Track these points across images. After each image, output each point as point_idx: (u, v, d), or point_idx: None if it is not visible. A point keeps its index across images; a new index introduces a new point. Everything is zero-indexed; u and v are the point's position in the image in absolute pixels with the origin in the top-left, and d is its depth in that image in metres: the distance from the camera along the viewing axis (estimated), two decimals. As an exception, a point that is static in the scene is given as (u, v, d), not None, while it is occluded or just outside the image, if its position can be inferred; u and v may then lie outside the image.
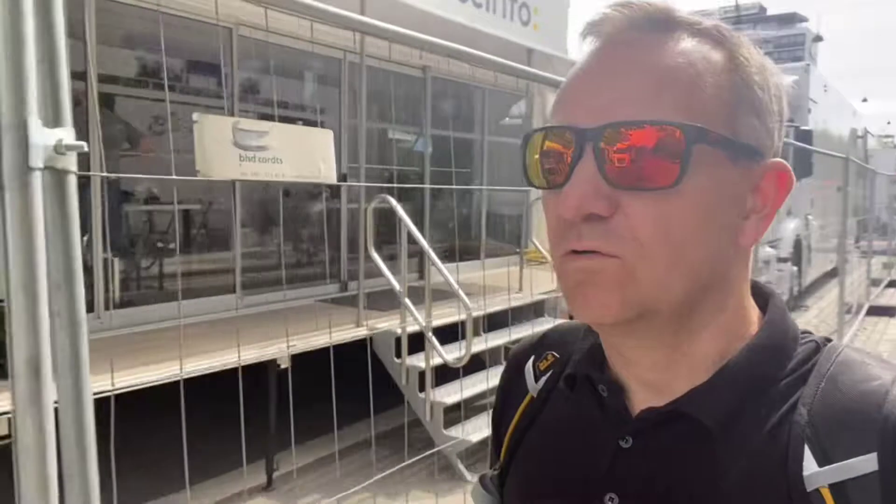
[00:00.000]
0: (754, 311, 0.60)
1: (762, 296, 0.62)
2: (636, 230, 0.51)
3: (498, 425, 0.75)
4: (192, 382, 2.58)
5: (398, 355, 4.35)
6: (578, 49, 0.60)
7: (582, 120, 0.52)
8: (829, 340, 0.59)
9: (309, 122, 5.39)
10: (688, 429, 0.54)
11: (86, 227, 4.12)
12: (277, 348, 3.76)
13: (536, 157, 0.56)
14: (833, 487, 0.49)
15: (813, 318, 8.65)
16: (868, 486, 0.48)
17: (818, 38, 36.39)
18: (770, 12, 49.28)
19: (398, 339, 4.35)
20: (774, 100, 0.55)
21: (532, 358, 0.74)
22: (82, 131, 1.11)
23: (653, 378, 0.58)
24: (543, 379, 0.71)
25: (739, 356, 0.56)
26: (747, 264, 0.58)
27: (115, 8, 4.26)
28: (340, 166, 5.14)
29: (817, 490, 0.49)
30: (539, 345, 0.75)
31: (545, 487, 0.64)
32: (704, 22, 0.55)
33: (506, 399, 0.75)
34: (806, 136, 7.41)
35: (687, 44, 0.54)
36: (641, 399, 0.59)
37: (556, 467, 0.64)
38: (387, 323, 4.55)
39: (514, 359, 0.77)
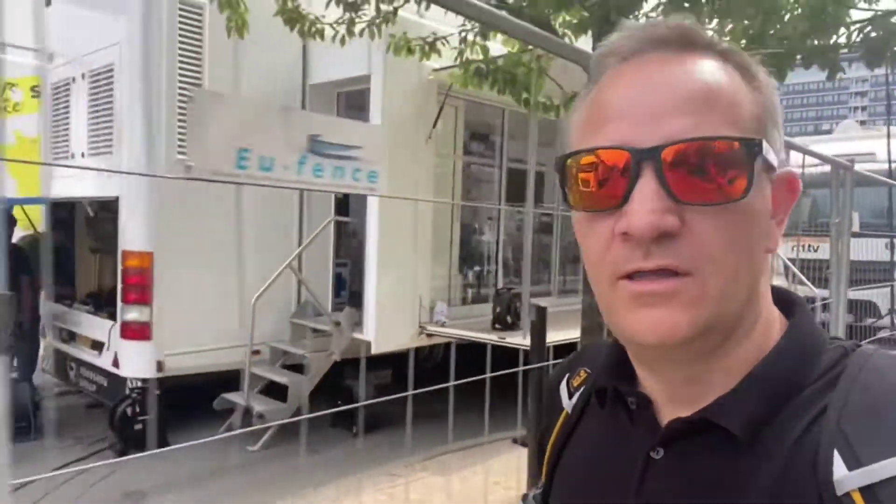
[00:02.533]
0: (778, 318, 0.59)
1: (787, 302, 0.61)
2: (707, 245, 0.51)
3: (542, 445, 0.76)
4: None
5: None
6: (593, 70, 0.59)
7: (632, 138, 0.52)
8: (858, 345, 0.58)
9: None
10: (717, 438, 0.54)
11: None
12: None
13: (579, 180, 0.55)
14: (864, 491, 0.48)
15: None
16: None
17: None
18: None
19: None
20: (779, 111, 0.58)
21: (567, 376, 0.74)
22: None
23: (685, 392, 0.58)
24: (577, 395, 0.71)
25: (765, 362, 0.55)
26: (769, 269, 0.58)
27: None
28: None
29: (848, 494, 0.48)
30: (573, 363, 0.76)
31: (581, 502, 0.65)
32: (721, 43, 0.57)
33: (547, 420, 0.75)
34: None
35: (714, 62, 0.55)
36: (671, 410, 0.58)
37: (591, 482, 0.64)
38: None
39: (552, 378, 0.77)
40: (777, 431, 0.53)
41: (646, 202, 0.50)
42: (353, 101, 5.88)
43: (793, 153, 4.01)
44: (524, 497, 0.76)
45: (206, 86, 4.98)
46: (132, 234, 4.80)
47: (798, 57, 3.36)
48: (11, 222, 5.43)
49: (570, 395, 0.71)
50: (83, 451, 4.73)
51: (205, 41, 4.98)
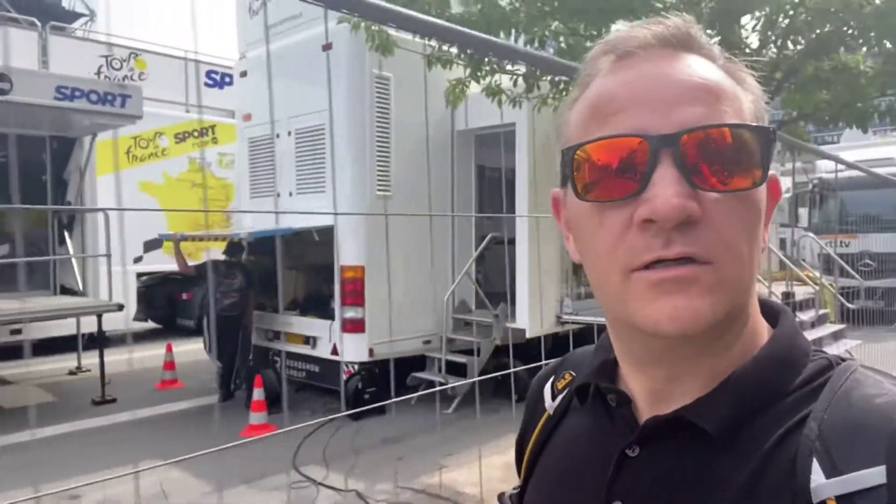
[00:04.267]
0: (764, 326, 0.60)
1: (773, 312, 0.62)
2: (723, 233, 0.51)
3: (520, 446, 0.77)
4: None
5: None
6: (587, 68, 0.60)
7: (645, 127, 0.52)
8: (843, 359, 0.58)
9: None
10: (692, 437, 0.54)
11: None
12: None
13: (588, 169, 0.54)
14: (840, 499, 0.48)
15: None
16: (876, 499, 0.47)
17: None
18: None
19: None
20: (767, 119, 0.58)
21: (552, 378, 0.75)
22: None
23: (667, 391, 0.58)
24: (560, 397, 0.72)
25: (746, 367, 0.56)
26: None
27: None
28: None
29: (824, 502, 0.48)
30: (559, 366, 0.77)
31: (556, 500, 0.66)
32: (713, 46, 0.58)
33: (528, 420, 0.76)
34: None
35: (714, 62, 0.56)
36: (650, 410, 0.59)
37: (566, 479, 0.65)
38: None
39: (537, 381, 0.78)
40: (754, 435, 0.53)
41: (669, 187, 0.50)
42: (485, 141, 7.41)
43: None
44: (500, 496, 0.78)
45: (392, 136, 6.53)
46: (348, 253, 6.34)
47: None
48: (237, 249, 7.00)
49: (554, 397, 0.72)
50: (325, 416, 6.23)
51: (391, 103, 6.53)
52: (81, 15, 17.43)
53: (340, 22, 6.07)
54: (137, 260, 9.88)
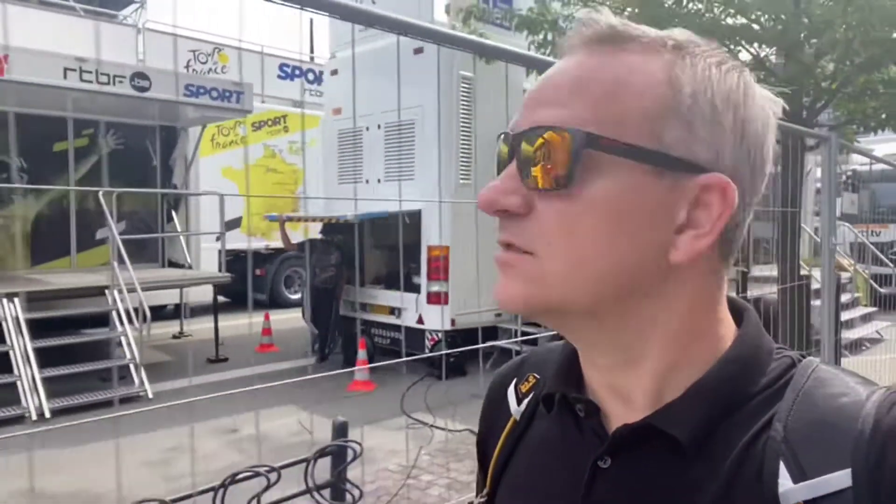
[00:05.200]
0: (728, 327, 0.59)
1: (737, 312, 0.61)
2: (545, 230, 0.53)
3: (483, 453, 0.75)
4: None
5: None
6: None
7: (515, 125, 0.56)
8: (804, 356, 0.58)
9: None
10: (663, 446, 0.54)
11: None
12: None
13: (496, 158, 0.59)
14: None
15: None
16: (842, 502, 0.47)
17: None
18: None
19: None
20: (723, 112, 0.53)
21: (514, 381, 0.73)
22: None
23: (617, 382, 0.58)
24: (525, 401, 0.70)
25: (711, 371, 0.56)
26: (701, 281, 0.56)
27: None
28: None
29: None
30: (520, 367, 0.75)
31: None
32: (650, 34, 0.55)
33: (489, 425, 0.74)
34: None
35: (623, 57, 0.54)
36: (617, 416, 0.58)
37: (537, 491, 0.64)
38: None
39: (497, 383, 0.76)
40: (723, 440, 0.53)
41: (499, 182, 0.55)
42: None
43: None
44: None
45: (474, 130, 7.34)
46: (434, 234, 7.20)
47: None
48: (334, 229, 7.88)
49: (519, 402, 0.71)
50: (411, 377, 7.13)
51: (474, 101, 7.34)
52: (132, 2, 18.11)
53: (431, 29, 6.87)
54: (218, 238, 10.86)
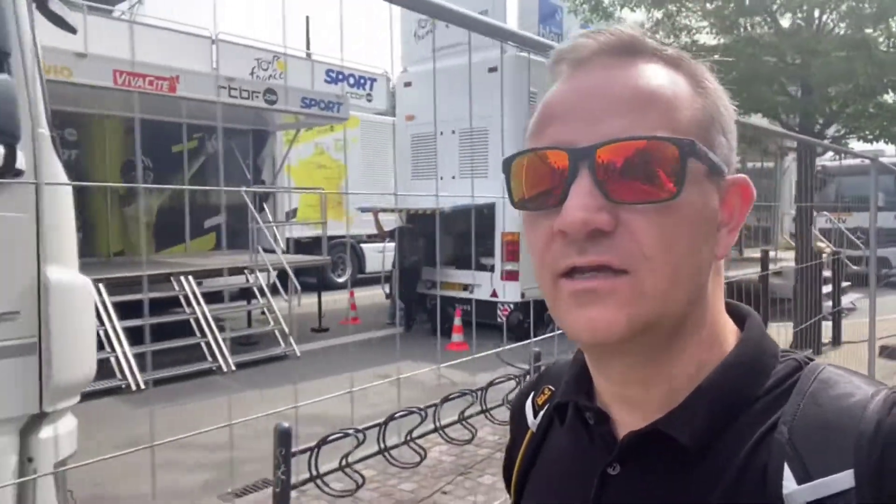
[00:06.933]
0: (731, 330, 0.60)
1: (739, 315, 0.62)
2: (641, 244, 0.51)
3: (507, 467, 0.76)
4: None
5: None
6: (549, 76, 0.61)
7: (571, 140, 0.53)
8: (811, 359, 0.58)
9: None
10: (669, 451, 0.55)
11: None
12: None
13: (522, 179, 0.56)
14: None
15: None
16: (845, 503, 0.48)
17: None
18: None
19: None
20: (731, 117, 0.58)
21: (532, 394, 0.75)
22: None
23: (635, 395, 0.58)
24: (541, 413, 0.71)
25: (715, 374, 0.56)
26: (721, 278, 0.59)
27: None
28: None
29: None
30: (538, 381, 0.76)
31: None
32: (668, 49, 0.57)
33: (514, 438, 0.76)
34: None
35: (658, 68, 0.56)
36: (626, 423, 0.59)
37: (554, 501, 0.65)
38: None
39: (517, 399, 0.78)
40: (729, 444, 0.54)
41: (579, 199, 0.51)
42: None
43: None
44: None
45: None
46: (507, 223, 8.70)
47: None
48: (418, 218, 9.30)
49: (535, 414, 0.72)
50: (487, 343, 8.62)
51: (537, 113, 8.84)
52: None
53: (505, 52, 8.35)
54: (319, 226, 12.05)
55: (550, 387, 0.72)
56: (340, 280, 13.24)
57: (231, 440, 2.59)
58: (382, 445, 3.17)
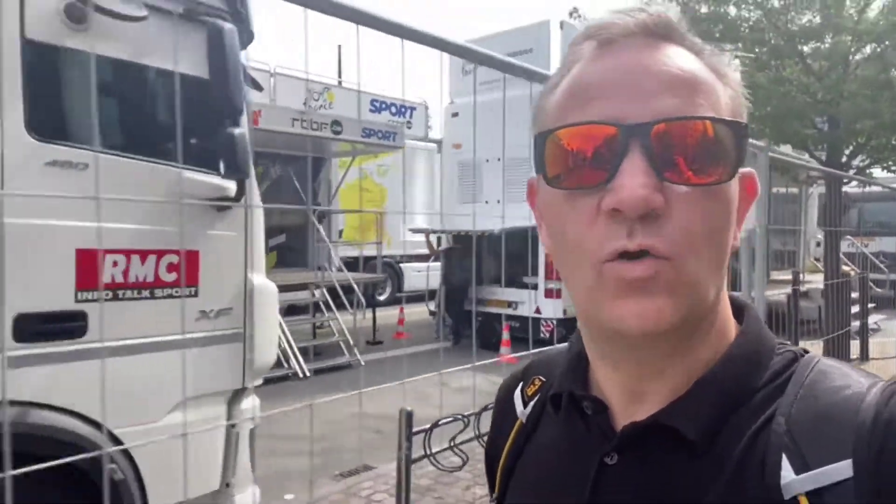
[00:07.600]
0: (732, 322, 0.60)
1: (737, 308, 0.61)
2: (688, 230, 0.50)
3: (491, 458, 0.75)
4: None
5: None
6: (570, 55, 0.58)
7: (617, 116, 0.51)
8: (806, 352, 0.58)
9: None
10: (670, 442, 0.54)
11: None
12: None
13: (561, 155, 0.54)
14: (810, 495, 0.49)
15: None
16: (844, 492, 0.48)
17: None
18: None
19: None
20: (745, 112, 0.57)
21: (520, 385, 0.74)
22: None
23: (649, 387, 0.57)
24: (531, 404, 0.71)
25: (716, 366, 0.56)
26: (727, 270, 0.58)
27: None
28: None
29: (795, 498, 0.49)
30: (525, 372, 0.75)
31: None
32: (693, 38, 0.56)
33: (498, 430, 0.75)
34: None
35: (688, 54, 0.55)
36: (627, 413, 0.58)
37: (544, 490, 0.64)
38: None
39: (503, 390, 0.77)
40: (728, 436, 0.54)
41: (637, 178, 0.49)
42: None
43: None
44: None
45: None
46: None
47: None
48: (465, 238, 9.95)
49: (525, 405, 0.72)
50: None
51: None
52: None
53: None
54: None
55: (541, 377, 0.72)
56: (381, 298, 13.90)
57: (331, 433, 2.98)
58: (477, 432, 3.78)
